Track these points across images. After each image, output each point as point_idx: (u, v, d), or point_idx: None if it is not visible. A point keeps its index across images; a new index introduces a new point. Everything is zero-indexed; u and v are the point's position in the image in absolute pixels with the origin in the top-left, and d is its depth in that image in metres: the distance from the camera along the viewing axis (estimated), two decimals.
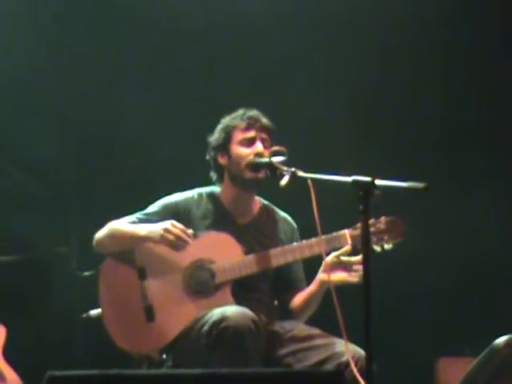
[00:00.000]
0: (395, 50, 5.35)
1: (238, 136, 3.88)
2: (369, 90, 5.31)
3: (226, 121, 3.95)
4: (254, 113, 3.91)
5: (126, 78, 5.27)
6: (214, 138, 3.95)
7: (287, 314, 3.96)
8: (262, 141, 3.87)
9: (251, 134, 3.87)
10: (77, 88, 5.25)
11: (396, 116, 5.35)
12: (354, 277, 3.71)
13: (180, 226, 3.75)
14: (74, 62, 5.29)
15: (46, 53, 5.21)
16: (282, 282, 3.96)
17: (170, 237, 3.75)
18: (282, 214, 4.06)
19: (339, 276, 3.74)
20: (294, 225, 4.06)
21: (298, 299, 3.91)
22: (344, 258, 3.74)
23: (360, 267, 3.66)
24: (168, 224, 3.76)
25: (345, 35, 5.33)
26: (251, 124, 3.88)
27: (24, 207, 5.07)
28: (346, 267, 3.74)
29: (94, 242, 3.96)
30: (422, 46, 5.38)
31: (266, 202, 4.05)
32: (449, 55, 5.42)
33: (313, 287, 3.85)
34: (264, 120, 3.90)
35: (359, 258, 3.67)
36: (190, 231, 3.77)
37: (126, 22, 5.32)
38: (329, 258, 3.75)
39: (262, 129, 3.88)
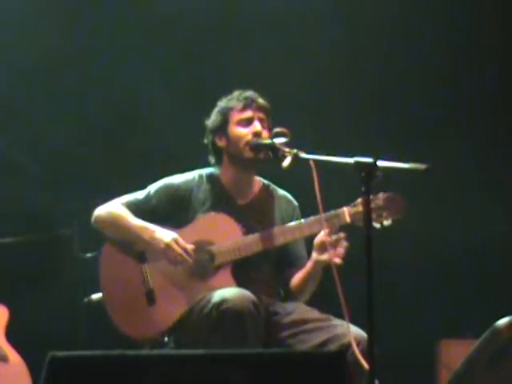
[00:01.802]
0: (399, 29, 5.34)
1: (236, 117, 3.90)
2: (371, 70, 5.32)
3: (222, 103, 3.97)
4: (249, 93, 3.93)
5: (140, 60, 5.31)
6: (211, 120, 3.97)
7: (289, 293, 3.95)
8: (260, 120, 3.90)
9: (248, 113, 3.89)
10: (91, 71, 5.25)
11: (398, 97, 5.32)
12: (335, 257, 3.67)
13: (182, 243, 3.79)
14: (89, 46, 5.32)
15: (62, 36, 5.23)
16: (284, 259, 3.96)
17: (171, 254, 3.78)
18: (283, 192, 4.06)
19: (325, 255, 3.70)
20: (295, 202, 4.06)
21: (296, 278, 3.91)
22: (334, 237, 3.69)
23: (341, 248, 3.66)
24: (171, 240, 3.78)
25: (346, 15, 5.32)
26: (248, 104, 3.89)
27: (27, 190, 5.06)
28: (334, 246, 3.69)
29: (94, 218, 3.97)
30: (426, 25, 5.36)
31: (266, 182, 4.05)
32: (453, 35, 5.40)
33: (308, 265, 3.84)
34: (260, 100, 3.92)
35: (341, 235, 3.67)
36: (191, 247, 3.78)
37: (142, 9, 5.33)
38: (318, 237, 3.73)
39: (259, 108, 3.90)
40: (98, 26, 5.29)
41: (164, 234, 3.79)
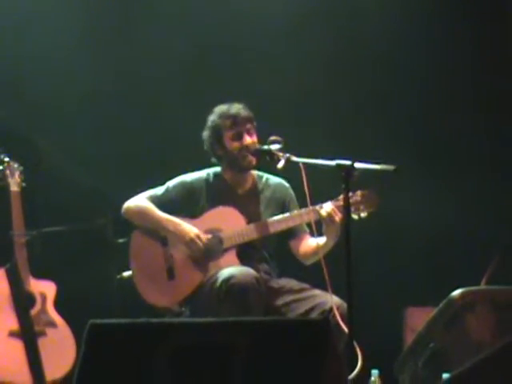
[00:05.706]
0: (380, 32, 5.16)
1: (228, 133, 4.03)
2: (350, 77, 5.21)
3: (213, 120, 4.08)
4: (235, 109, 4.04)
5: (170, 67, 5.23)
6: (207, 136, 4.10)
7: (297, 258, 4.05)
8: (248, 130, 4.01)
9: (237, 129, 4.01)
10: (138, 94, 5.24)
11: (371, 102, 5.28)
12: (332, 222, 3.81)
13: (202, 237, 3.91)
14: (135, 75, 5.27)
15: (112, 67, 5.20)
16: (286, 235, 4.07)
17: (194, 247, 3.90)
18: (276, 178, 4.21)
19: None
20: (287, 184, 4.21)
21: (310, 244, 4.01)
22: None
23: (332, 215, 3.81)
24: (194, 235, 3.92)
25: (332, 19, 5.19)
26: (236, 121, 4.01)
27: (71, 188, 5.12)
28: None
29: (124, 210, 4.12)
30: (407, 28, 5.16)
31: (260, 173, 4.20)
32: (432, 38, 5.21)
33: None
34: (244, 112, 4.04)
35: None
36: (207, 236, 3.93)
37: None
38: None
39: (245, 121, 4.02)
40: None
41: (188, 229, 3.94)
